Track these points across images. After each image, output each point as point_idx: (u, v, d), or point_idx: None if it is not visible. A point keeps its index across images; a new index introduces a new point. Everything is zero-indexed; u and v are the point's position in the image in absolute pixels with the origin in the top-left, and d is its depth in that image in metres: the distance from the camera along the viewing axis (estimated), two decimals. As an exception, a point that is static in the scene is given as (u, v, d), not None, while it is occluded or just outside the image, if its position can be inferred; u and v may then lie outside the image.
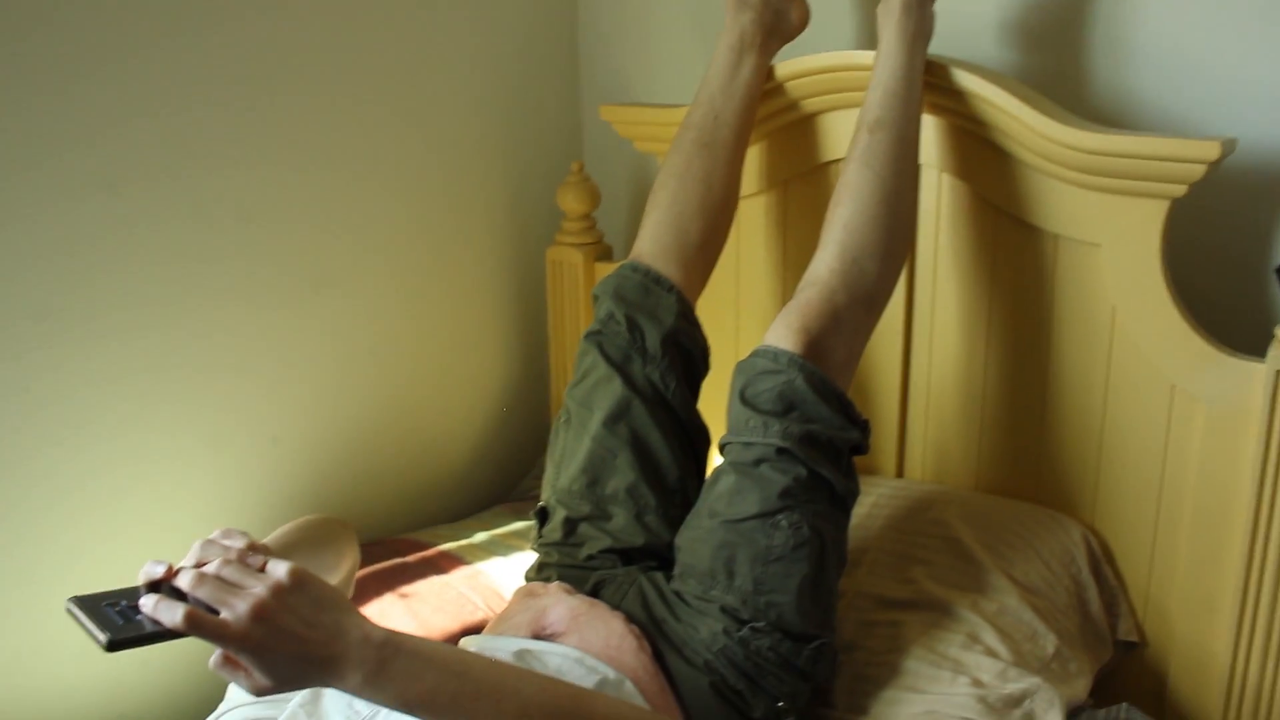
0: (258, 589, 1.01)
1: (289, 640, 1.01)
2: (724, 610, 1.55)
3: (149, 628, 1.03)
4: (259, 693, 1.02)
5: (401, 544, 2.09)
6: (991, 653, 1.67)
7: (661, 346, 1.78)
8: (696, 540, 1.62)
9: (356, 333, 2.14)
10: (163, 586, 1.06)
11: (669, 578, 1.65)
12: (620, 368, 1.78)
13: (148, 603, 1.02)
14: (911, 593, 1.79)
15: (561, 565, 1.73)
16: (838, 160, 2.02)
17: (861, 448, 1.66)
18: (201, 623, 1.00)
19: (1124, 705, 1.71)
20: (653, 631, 1.57)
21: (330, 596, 1.04)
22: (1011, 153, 1.85)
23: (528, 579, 1.77)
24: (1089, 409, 1.89)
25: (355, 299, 2.12)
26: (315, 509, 2.11)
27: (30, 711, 1.76)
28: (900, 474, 2.13)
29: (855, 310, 1.70)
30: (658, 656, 1.55)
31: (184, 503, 1.91)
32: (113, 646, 1.02)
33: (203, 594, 1.02)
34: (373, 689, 1.03)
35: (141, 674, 1.89)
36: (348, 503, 2.17)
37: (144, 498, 1.85)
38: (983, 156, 1.90)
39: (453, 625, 1.84)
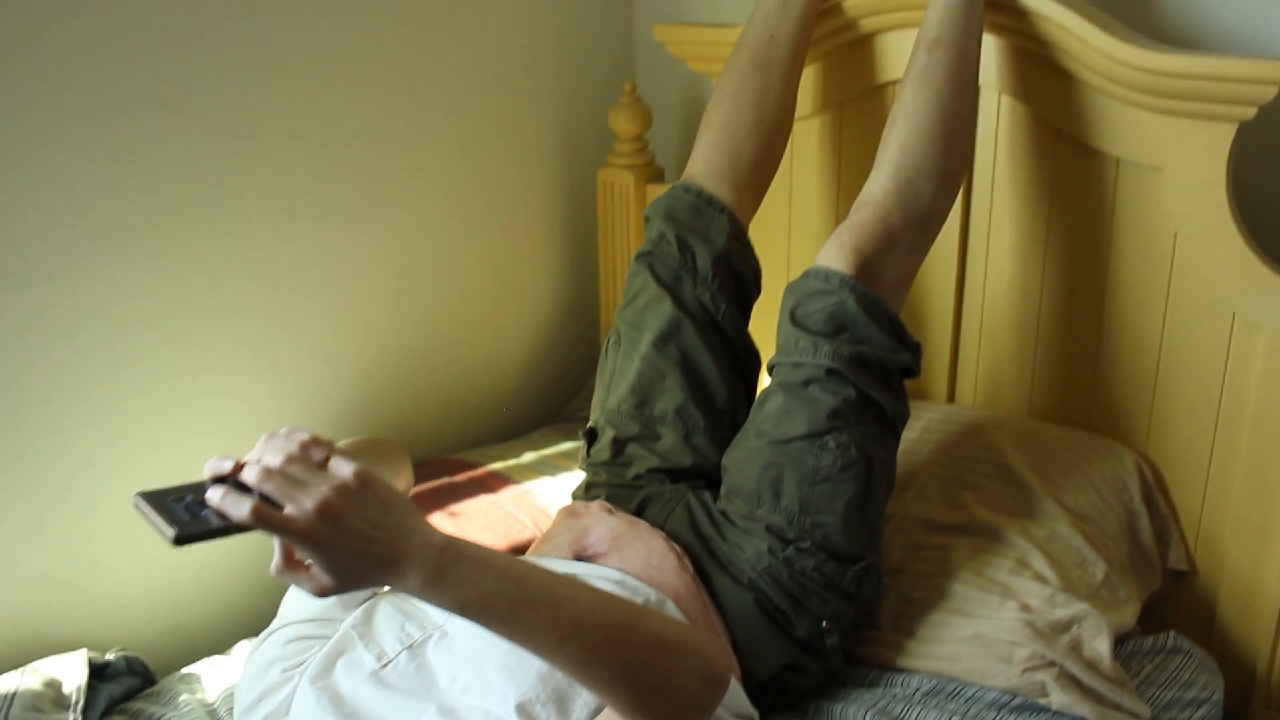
0: (324, 487, 1.00)
1: (353, 538, 1.00)
2: (770, 530, 1.56)
3: (215, 522, 1.02)
4: (321, 593, 1.03)
5: (451, 464, 2.11)
6: (1040, 578, 1.66)
7: (713, 268, 1.77)
8: (743, 460, 1.62)
9: (407, 252, 2.15)
10: (229, 481, 1.06)
11: (716, 498, 1.66)
12: (671, 289, 1.77)
13: (214, 495, 1.02)
14: (960, 517, 1.78)
15: (609, 485, 1.74)
16: (895, 82, 1.98)
17: (912, 370, 1.65)
18: (268, 517, 0.99)
19: (1171, 633, 1.70)
20: (699, 549, 1.58)
21: (394, 498, 1.04)
22: (1074, 74, 1.81)
23: (575, 498, 1.79)
24: (1146, 336, 1.87)
25: (406, 218, 2.12)
26: (367, 428, 2.13)
27: (88, 625, 1.80)
28: (951, 399, 2.11)
29: (909, 231, 1.68)
30: (702, 575, 1.56)
31: (236, 419, 1.93)
32: (179, 541, 1.01)
33: (269, 489, 1.02)
34: (432, 591, 1.04)
35: (196, 589, 1.93)
36: (398, 422, 2.19)
37: (196, 413, 1.88)
38: (1044, 77, 1.85)
39: (500, 544, 1.86)
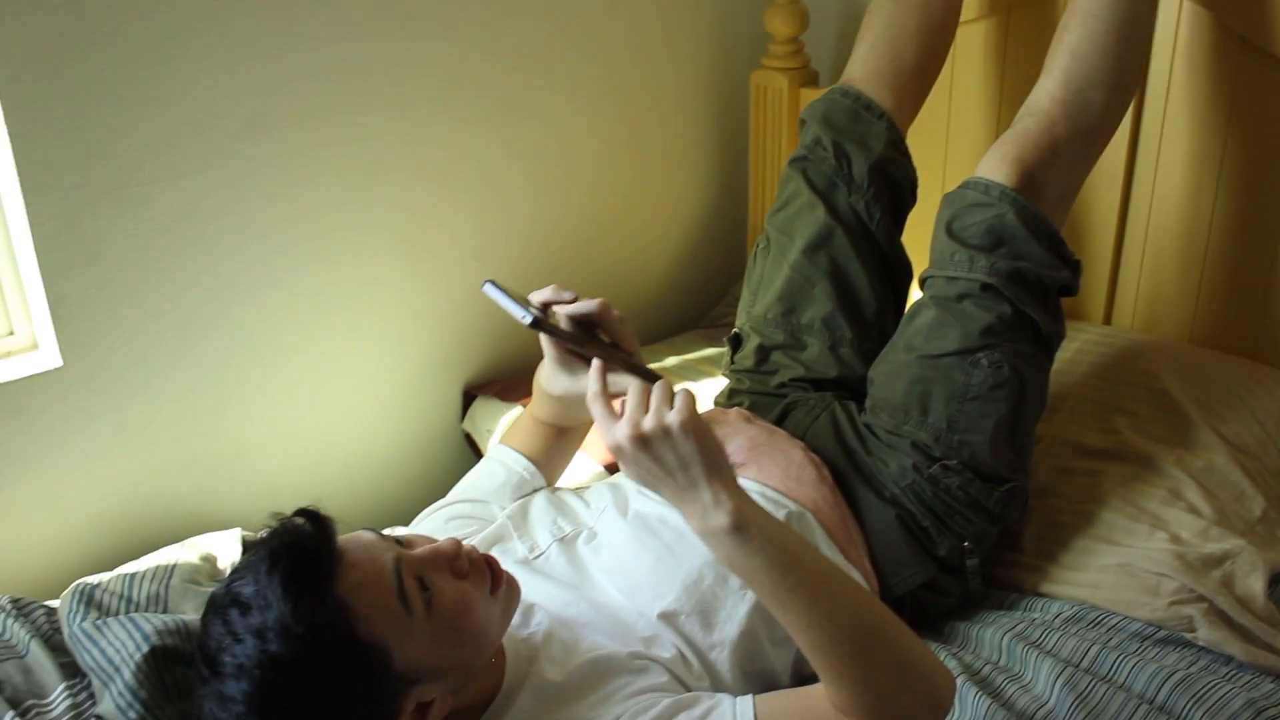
0: (654, 420, 1.11)
1: (654, 470, 1.13)
2: (915, 446, 1.53)
3: (567, 332, 1.23)
4: (613, 444, 1.13)
5: (594, 363, 2.12)
6: (1194, 510, 1.61)
7: (868, 175, 1.73)
8: (891, 374, 1.59)
9: (557, 151, 2.14)
10: (548, 311, 1.23)
11: (861, 410, 1.63)
12: (824, 196, 1.74)
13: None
14: (1112, 442, 1.73)
15: (752, 392, 1.72)
16: (1067, -16, 1.89)
17: (1071, 289, 1.59)
18: (602, 412, 1.16)
19: (1332, 575, 1.64)
20: (841, 461, 1.56)
21: (700, 457, 1.12)
22: (1264, -21, 1.71)
23: (717, 404, 1.78)
24: (1325, 264, 1.77)
25: (557, 118, 2.11)
26: (512, 324, 2.13)
27: (240, 506, 1.87)
28: (1108, 321, 2.05)
29: (1076, 143, 1.61)
30: (844, 487, 1.55)
31: (384, 309, 1.97)
32: (536, 325, 1.19)
33: (630, 388, 1.15)
34: (707, 541, 1.14)
35: (342, 476, 1.99)
36: (543, 320, 2.20)
37: (346, 302, 1.92)
38: (1230, -18, 1.75)
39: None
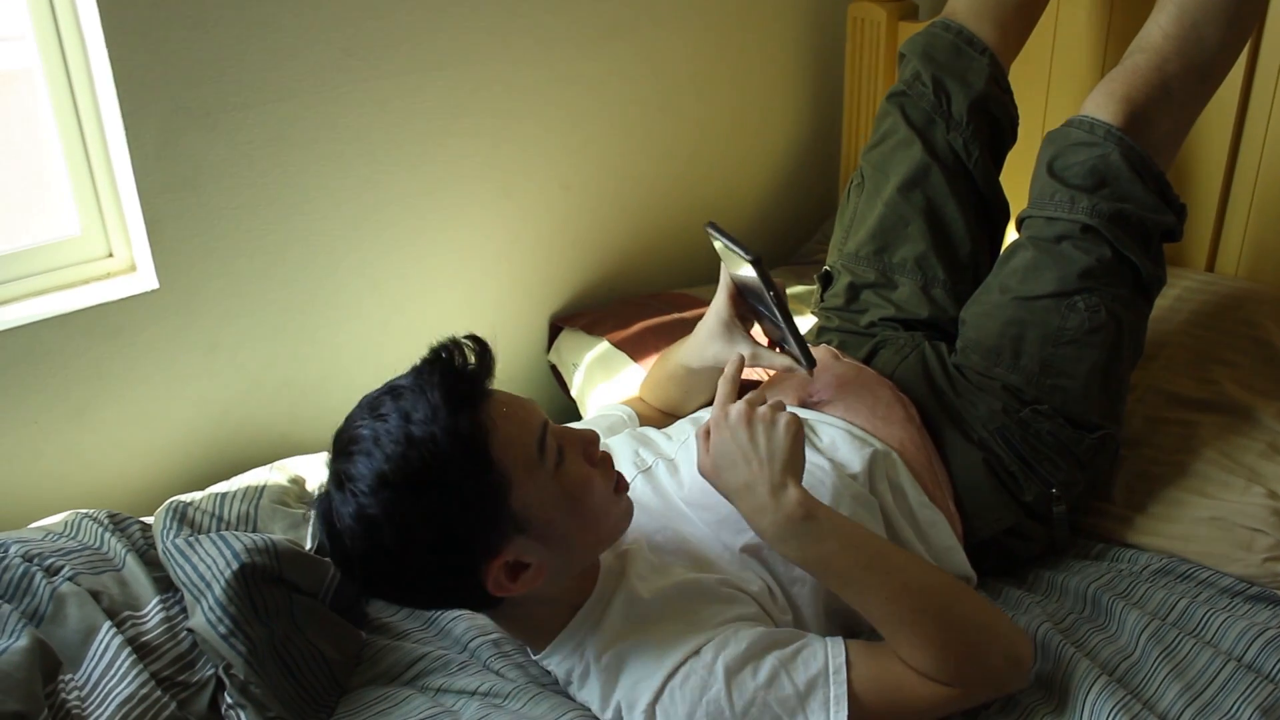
0: (767, 409, 1.21)
1: (743, 449, 1.19)
2: (1006, 389, 1.50)
3: (769, 285, 1.33)
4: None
5: (678, 298, 2.11)
6: (1293, 465, 1.56)
7: (968, 112, 1.68)
8: (984, 315, 1.56)
9: (650, 84, 2.12)
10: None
11: (951, 351, 1.61)
12: (922, 132, 1.70)
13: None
14: (1210, 393, 1.69)
15: (842, 330, 1.71)
16: (1184, -85, 1.82)
17: (1175, 234, 1.55)
18: (734, 375, 1.30)
19: None
20: (930, 402, 1.54)
21: (785, 460, 1.19)
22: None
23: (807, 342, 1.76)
24: None
25: (651, 48, 2.09)
26: (599, 257, 2.15)
27: (328, 430, 1.86)
28: (1211, 268, 1.99)
29: (1188, 82, 1.56)
30: (931, 428, 1.52)
31: (473, 240, 1.97)
32: (757, 263, 1.31)
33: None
34: (779, 542, 1.20)
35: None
36: (631, 253, 2.19)
37: (435, 232, 1.92)
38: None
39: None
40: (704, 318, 1.49)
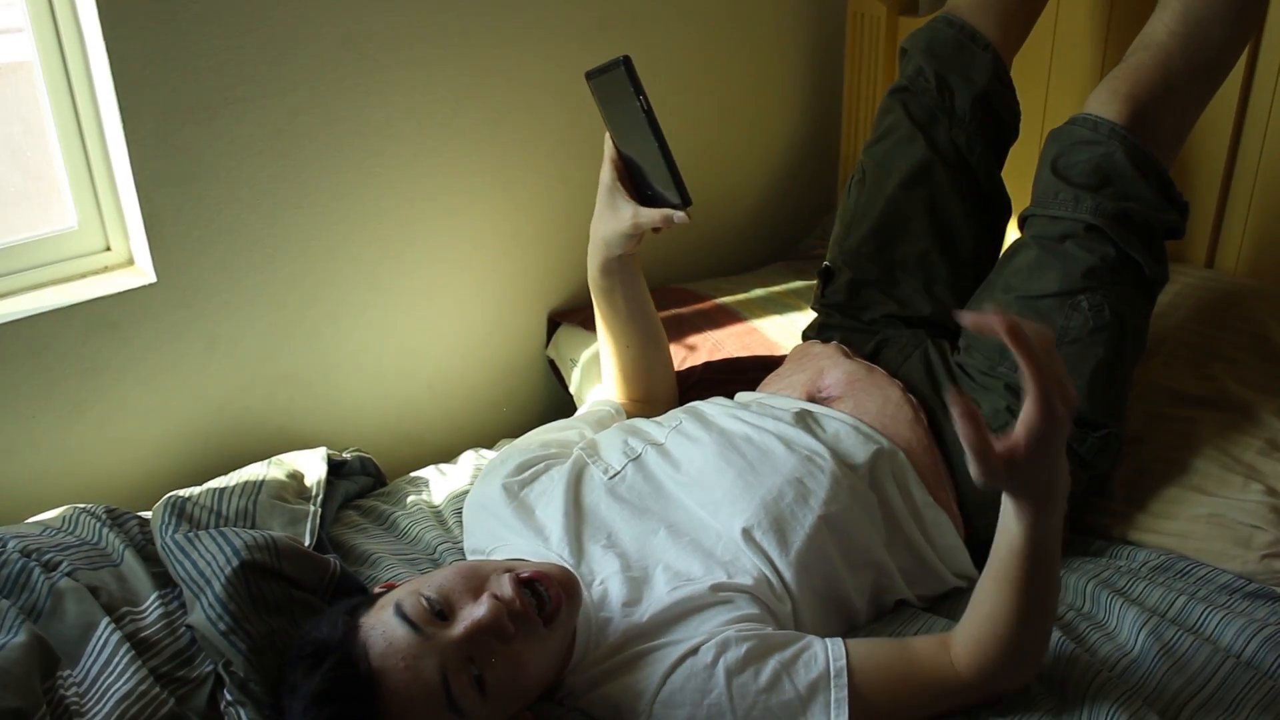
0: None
1: (1048, 453, 1.11)
2: (1009, 388, 1.50)
3: None
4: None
5: (680, 293, 2.11)
6: (1293, 462, 1.56)
7: (971, 108, 1.68)
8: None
9: (647, 77, 2.10)
10: None
11: (954, 349, 1.60)
12: (924, 128, 1.69)
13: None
14: (1209, 390, 1.68)
15: (843, 327, 1.70)
16: (1187, -89, 1.81)
17: (1178, 231, 1.55)
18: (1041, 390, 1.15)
19: None
20: (933, 400, 1.54)
21: (1055, 469, 1.13)
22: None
23: (805, 337, 1.76)
24: None
25: (648, 42, 2.08)
26: (597, 250, 2.14)
27: (326, 425, 1.90)
28: (1210, 264, 1.99)
29: (1192, 80, 1.55)
30: (934, 427, 1.52)
31: (471, 233, 1.96)
32: (626, 62, 1.36)
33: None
34: (1038, 519, 1.14)
35: (427, 398, 2.01)
36: (629, 247, 2.18)
37: (435, 225, 1.92)
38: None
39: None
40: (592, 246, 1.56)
